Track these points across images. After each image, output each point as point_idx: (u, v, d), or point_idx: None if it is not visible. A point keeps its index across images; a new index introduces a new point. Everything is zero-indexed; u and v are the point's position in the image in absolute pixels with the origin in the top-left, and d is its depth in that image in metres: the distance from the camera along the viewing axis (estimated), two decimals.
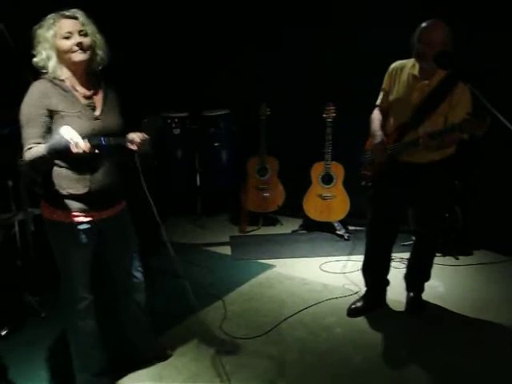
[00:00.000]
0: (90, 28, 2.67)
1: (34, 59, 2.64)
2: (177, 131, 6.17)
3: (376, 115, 3.80)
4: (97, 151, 2.53)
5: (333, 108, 5.28)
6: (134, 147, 2.76)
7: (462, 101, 3.40)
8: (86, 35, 2.63)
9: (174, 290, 4.22)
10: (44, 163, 2.60)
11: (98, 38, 2.71)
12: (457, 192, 4.93)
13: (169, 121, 6.16)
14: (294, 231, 5.90)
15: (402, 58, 3.63)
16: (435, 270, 4.52)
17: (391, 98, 3.66)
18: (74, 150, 2.44)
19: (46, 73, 2.65)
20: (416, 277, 4.07)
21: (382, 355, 3.52)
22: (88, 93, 2.73)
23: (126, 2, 5.66)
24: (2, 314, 3.77)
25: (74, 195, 2.72)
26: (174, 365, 3.44)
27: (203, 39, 6.30)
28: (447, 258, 4.96)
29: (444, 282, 4.50)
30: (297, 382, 3.28)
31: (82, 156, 2.50)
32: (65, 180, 2.71)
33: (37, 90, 2.62)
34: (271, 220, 6.15)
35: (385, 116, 3.76)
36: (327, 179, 5.56)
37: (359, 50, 5.06)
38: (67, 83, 2.68)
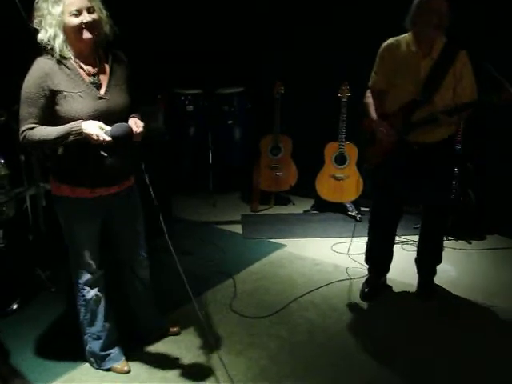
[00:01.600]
0: (97, 3, 2.59)
1: (39, 35, 2.54)
2: (190, 108, 6.14)
3: (370, 99, 3.73)
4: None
5: (347, 88, 5.23)
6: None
7: (465, 72, 3.44)
8: (93, 11, 2.55)
9: (185, 268, 4.21)
10: (52, 146, 2.59)
11: (104, 13, 2.63)
12: (470, 175, 4.88)
13: (182, 98, 6.14)
14: (305, 211, 5.88)
15: None
16: (447, 254, 4.49)
17: (393, 77, 3.57)
18: (94, 139, 2.49)
19: (51, 49, 2.57)
20: (427, 259, 4.02)
21: (390, 338, 3.50)
22: (93, 70, 2.67)
23: None
24: (13, 288, 3.78)
25: (81, 172, 2.71)
26: (184, 342, 3.45)
27: (218, 15, 6.25)
28: (460, 242, 4.92)
29: (456, 267, 4.47)
30: (305, 362, 3.26)
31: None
32: (72, 157, 2.68)
33: (39, 68, 2.55)
34: (283, 199, 6.13)
35: (378, 97, 3.70)
36: (341, 160, 5.51)
37: (375, 28, 4.99)
38: (72, 61, 2.62)
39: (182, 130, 6.22)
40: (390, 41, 3.63)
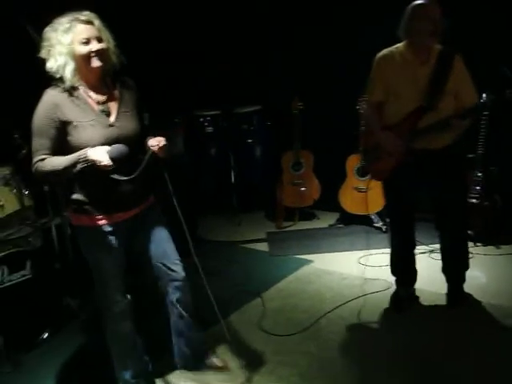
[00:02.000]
0: (105, 33, 2.63)
1: (48, 64, 2.57)
2: (209, 129, 6.20)
3: (371, 112, 3.71)
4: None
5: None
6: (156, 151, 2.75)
7: (463, 75, 3.47)
8: (102, 41, 2.59)
9: (213, 289, 4.21)
10: (62, 175, 2.60)
11: (112, 43, 2.66)
12: (495, 179, 4.83)
13: (201, 119, 6.19)
14: (330, 225, 5.86)
15: None
16: (476, 260, 4.46)
17: (392, 87, 3.56)
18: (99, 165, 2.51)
19: (59, 79, 2.60)
20: (452, 266, 3.96)
21: (422, 350, 3.45)
22: (102, 98, 2.69)
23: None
24: (43, 317, 3.81)
25: (97, 200, 2.72)
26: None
27: (233, 35, 6.29)
28: (488, 247, 4.85)
29: (485, 273, 4.40)
30: (336, 378, 3.23)
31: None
32: (86, 185, 2.70)
33: (49, 100, 2.58)
34: (308, 215, 6.11)
35: (380, 109, 3.68)
36: (363, 172, 5.49)
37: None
38: (80, 91, 2.64)
39: (203, 152, 6.26)
40: (384, 52, 3.62)
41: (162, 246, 3.01)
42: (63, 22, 2.56)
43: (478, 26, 4.77)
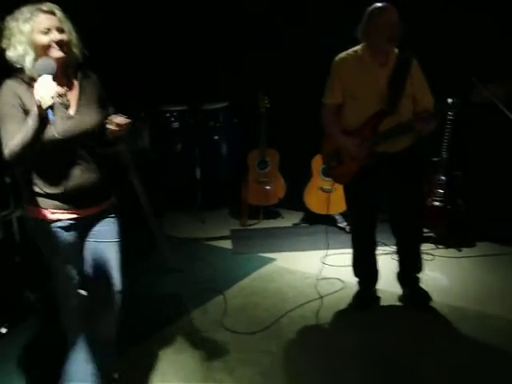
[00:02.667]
0: (67, 25, 2.57)
1: (8, 53, 2.51)
2: (176, 125, 6.15)
3: (329, 115, 3.73)
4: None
5: None
6: (113, 127, 2.66)
7: (421, 80, 3.56)
8: (63, 32, 2.53)
9: (176, 286, 4.20)
10: (33, 142, 2.44)
11: (74, 35, 2.60)
12: (458, 183, 4.90)
13: (167, 115, 6.14)
14: (295, 224, 5.88)
15: None
16: (438, 262, 4.54)
17: (351, 90, 3.59)
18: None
19: (20, 69, 2.54)
20: (408, 271, 4.03)
21: (383, 349, 3.49)
22: (61, 91, 2.59)
23: None
24: (2, 311, 3.75)
25: (52, 194, 2.64)
26: (175, 361, 3.42)
27: (201, 31, 6.27)
28: (450, 250, 4.93)
29: (447, 275, 4.47)
30: (298, 377, 3.25)
31: (58, 156, 2.48)
32: (40, 179, 2.63)
33: (9, 89, 2.51)
34: (272, 213, 6.12)
35: (336, 112, 3.71)
36: (326, 173, 5.51)
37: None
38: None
39: (169, 147, 6.22)
40: (342, 55, 3.66)
41: (110, 257, 2.89)
42: (24, 11, 2.50)
43: (438, 30, 4.85)
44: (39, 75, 2.39)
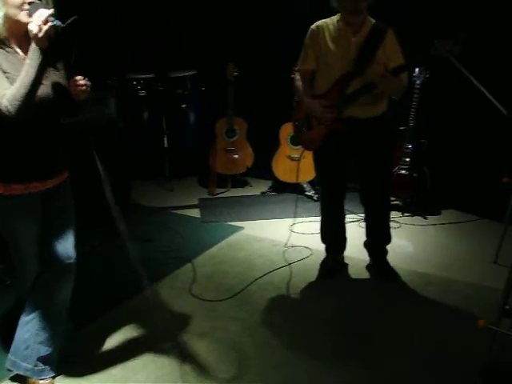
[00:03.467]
0: None
1: None
2: (143, 93, 6.07)
3: (302, 81, 3.74)
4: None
5: None
6: (78, 89, 2.60)
7: (394, 48, 3.54)
8: None
9: (144, 255, 4.18)
10: (34, 82, 2.39)
11: (51, 3, 2.53)
12: (424, 151, 4.95)
13: (134, 82, 6.06)
14: (263, 193, 5.90)
15: None
16: (403, 230, 4.60)
17: (324, 57, 3.61)
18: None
19: None
20: (376, 241, 4.08)
21: (349, 316, 3.54)
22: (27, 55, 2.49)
23: None
24: None
25: (12, 165, 2.59)
26: (144, 328, 3.42)
27: None
28: (416, 217, 5.01)
29: (412, 242, 4.55)
30: (266, 343, 3.28)
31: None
32: (3, 150, 2.56)
33: None
34: (240, 182, 6.13)
35: (310, 78, 3.72)
36: (296, 140, 5.52)
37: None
38: (8, 44, 2.50)
39: (136, 115, 6.15)
40: (318, 22, 3.67)
41: (68, 229, 2.88)
42: None
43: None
44: (30, 16, 2.37)
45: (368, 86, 3.48)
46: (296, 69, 3.79)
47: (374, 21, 3.56)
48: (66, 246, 2.86)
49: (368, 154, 3.72)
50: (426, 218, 5.00)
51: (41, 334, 2.83)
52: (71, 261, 2.88)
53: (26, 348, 2.82)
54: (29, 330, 2.82)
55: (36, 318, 2.81)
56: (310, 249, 4.41)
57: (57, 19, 2.36)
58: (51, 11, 2.37)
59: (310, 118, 3.75)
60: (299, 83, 3.75)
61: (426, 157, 4.99)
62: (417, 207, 5.05)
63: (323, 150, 3.79)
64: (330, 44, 3.57)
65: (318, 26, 3.64)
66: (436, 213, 5.11)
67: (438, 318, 3.50)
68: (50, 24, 2.34)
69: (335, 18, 3.61)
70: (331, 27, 3.59)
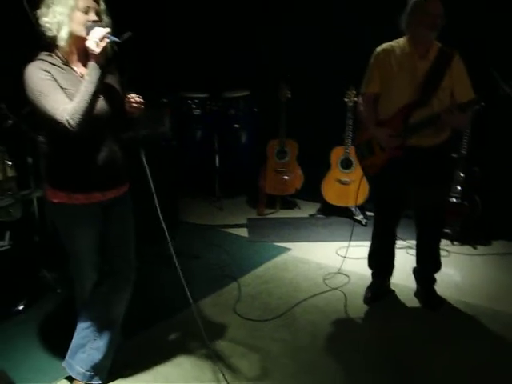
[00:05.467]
0: (106, 18, 2.65)
1: (45, 19, 2.54)
2: (197, 112, 6.19)
3: (366, 105, 3.73)
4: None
5: (354, 92, 5.24)
6: (132, 106, 2.71)
7: (461, 73, 3.49)
8: (100, 19, 2.60)
9: (191, 271, 4.23)
10: (92, 97, 2.50)
11: (109, 29, 2.61)
12: (476, 180, 4.88)
13: (189, 101, 6.18)
14: (311, 215, 5.89)
15: None
16: (452, 259, 4.53)
17: (388, 81, 3.59)
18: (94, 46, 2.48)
19: (47, 44, 2.58)
20: (425, 269, 4.01)
21: (393, 344, 3.50)
22: (85, 71, 2.61)
23: None
24: (19, 289, 3.81)
25: (75, 176, 2.69)
26: (186, 346, 3.46)
27: (224, 19, 6.28)
28: (465, 247, 4.93)
29: (460, 271, 4.47)
30: (308, 366, 3.27)
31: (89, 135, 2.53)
32: (66, 161, 2.68)
33: (38, 67, 2.53)
34: (289, 203, 6.14)
35: (374, 102, 3.70)
36: (346, 164, 5.53)
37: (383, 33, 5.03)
38: (64, 60, 2.62)
39: (189, 134, 6.26)
40: (384, 45, 3.64)
41: (128, 240, 2.98)
42: None
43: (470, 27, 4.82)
44: (88, 33, 2.51)
45: (433, 120, 3.45)
46: (361, 91, 3.78)
47: (439, 44, 3.52)
48: (126, 258, 2.97)
49: (428, 181, 3.66)
50: (475, 248, 4.91)
51: (97, 341, 2.91)
52: (130, 272, 2.98)
53: (83, 353, 2.91)
54: (86, 336, 2.91)
55: (93, 325, 2.89)
56: (357, 273, 4.38)
57: (113, 36, 2.47)
58: (108, 29, 2.51)
59: (373, 144, 3.74)
60: (362, 108, 3.74)
61: (478, 185, 4.91)
62: (467, 236, 4.97)
63: (384, 176, 3.77)
64: (395, 68, 3.55)
65: (384, 49, 3.62)
66: (486, 243, 5.01)
67: (484, 350, 3.42)
68: (106, 41, 2.47)
69: (401, 40, 3.57)
70: (397, 50, 3.56)
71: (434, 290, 3.98)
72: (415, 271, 4.07)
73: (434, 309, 3.89)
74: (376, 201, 4.04)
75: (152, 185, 2.77)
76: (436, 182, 3.69)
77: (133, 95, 2.71)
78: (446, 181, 3.80)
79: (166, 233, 2.81)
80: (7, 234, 3.72)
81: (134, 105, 2.70)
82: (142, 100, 2.72)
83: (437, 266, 3.97)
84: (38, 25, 2.58)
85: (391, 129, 3.57)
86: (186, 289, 2.89)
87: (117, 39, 2.49)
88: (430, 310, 3.90)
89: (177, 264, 2.86)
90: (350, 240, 4.62)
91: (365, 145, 3.83)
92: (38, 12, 2.58)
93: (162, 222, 2.78)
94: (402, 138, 3.55)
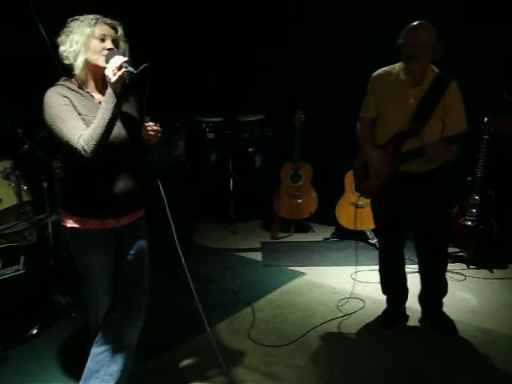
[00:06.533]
0: (123, 44, 2.68)
1: (62, 48, 2.58)
2: (211, 136, 6.23)
3: (363, 129, 3.75)
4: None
5: None
6: (149, 133, 2.73)
7: (455, 103, 3.44)
8: (117, 47, 2.62)
9: (205, 295, 4.21)
10: (109, 125, 2.50)
11: (127, 55, 2.65)
12: (491, 203, 4.85)
13: (203, 125, 6.22)
14: (325, 239, 5.87)
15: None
16: (468, 283, 4.49)
17: (382, 107, 3.60)
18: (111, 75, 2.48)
19: (66, 71, 2.61)
20: (430, 295, 3.95)
21: (409, 371, 3.45)
22: (103, 98, 2.61)
23: (161, 8, 5.73)
24: (33, 313, 3.81)
25: (89, 202, 2.69)
26: (199, 371, 3.43)
27: (239, 43, 6.33)
28: (481, 270, 4.88)
29: (477, 296, 4.42)
30: None
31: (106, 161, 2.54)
32: (80, 186, 2.69)
33: (58, 92, 2.55)
34: (303, 227, 6.13)
35: (370, 127, 3.71)
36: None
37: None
38: (84, 89, 2.65)
39: (203, 158, 6.29)
40: (379, 71, 3.66)
41: (141, 267, 2.96)
42: (90, 17, 2.60)
43: (478, 53, 4.83)
44: (107, 62, 2.52)
45: (418, 151, 3.44)
46: (359, 115, 3.79)
47: (437, 71, 3.49)
48: (139, 284, 2.95)
49: (423, 206, 3.66)
50: (492, 272, 4.87)
51: (111, 366, 2.88)
52: (144, 298, 2.96)
53: (96, 378, 2.87)
54: (100, 361, 2.87)
55: (107, 350, 2.87)
56: (371, 298, 4.35)
57: (130, 66, 2.49)
58: (126, 58, 2.51)
59: (369, 168, 3.75)
60: (360, 131, 3.77)
61: (493, 208, 4.88)
62: (483, 260, 4.92)
63: (381, 199, 3.78)
64: (390, 95, 3.56)
65: (379, 74, 3.64)
66: (503, 266, 4.96)
67: (501, 377, 3.37)
68: (123, 70, 2.48)
69: (397, 65, 3.57)
70: (393, 75, 3.56)
71: (443, 313, 3.92)
72: (420, 298, 4.02)
73: (447, 332, 3.83)
74: (376, 223, 4.03)
75: (168, 209, 2.78)
76: (431, 208, 3.66)
77: (150, 123, 2.74)
78: (442, 207, 3.73)
79: (183, 259, 2.81)
80: (22, 258, 3.73)
81: (151, 132, 2.73)
82: (158, 128, 2.75)
83: (442, 292, 3.90)
84: (56, 53, 2.62)
85: (385, 154, 3.58)
86: (203, 315, 2.89)
87: (133, 69, 2.49)
88: (442, 334, 3.83)
89: (193, 290, 2.86)
90: (361, 264, 4.60)
91: (361, 168, 3.84)
92: (58, 40, 2.62)
93: (178, 246, 2.79)
94: (392, 165, 3.55)
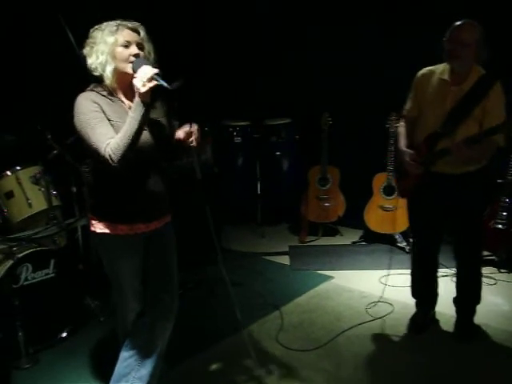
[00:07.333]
0: (148, 45, 2.68)
1: (90, 60, 2.60)
2: (238, 140, 6.23)
3: (402, 128, 3.71)
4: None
5: (396, 118, 5.20)
6: (191, 139, 2.77)
7: (497, 105, 3.34)
8: (143, 49, 2.63)
9: (234, 299, 4.22)
10: (136, 136, 2.49)
11: (152, 55, 2.69)
12: None
13: (230, 129, 6.23)
14: (354, 242, 5.84)
15: None
16: (499, 287, 4.42)
17: (422, 106, 3.56)
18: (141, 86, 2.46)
19: (98, 78, 2.63)
20: (464, 298, 3.88)
21: (438, 374, 3.41)
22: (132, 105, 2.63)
23: (188, 12, 5.77)
24: (63, 316, 3.85)
25: (118, 207, 2.71)
26: (228, 375, 3.44)
27: (266, 48, 6.34)
28: None
29: (508, 300, 4.35)
30: None
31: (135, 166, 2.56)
32: (109, 192, 2.71)
33: (88, 98, 2.57)
34: (331, 230, 6.11)
35: (413, 126, 3.66)
36: (389, 190, 5.47)
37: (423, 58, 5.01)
38: (114, 95, 2.66)
39: (231, 162, 6.30)
40: (424, 70, 3.61)
41: (169, 272, 2.97)
42: (111, 24, 2.61)
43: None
44: (135, 71, 2.52)
45: (443, 152, 3.40)
46: (402, 113, 3.76)
47: (482, 71, 3.40)
48: (168, 289, 2.95)
49: (458, 209, 3.59)
50: None
51: (140, 370, 2.89)
52: (173, 302, 2.97)
53: (126, 382, 2.89)
54: (129, 365, 2.89)
55: (137, 354, 2.88)
56: (400, 302, 4.30)
57: (161, 78, 2.47)
58: (156, 70, 2.48)
59: (403, 166, 3.71)
60: (399, 129, 3.74)
61: None
62: None
63: (416, 201, 3.74)
64: (428, 94, 3.51)
65: (422, 74, 3.59)
66: None
67: None
68: (154, 83, 2.46)
69: (443, 65, 3.51)
70: (436, 75, 3.51)
71: (471, 322, 3.86)
72: (455, 300, 3.95)
73: (465, 340, 3.77)
74: (411, 224, 3.99)
75: (208, 210, 2.79)
76: (465, 210, 3.59)
77: (192, 128, 2.78)
78: (477, 211, 3.67)
79: (221, 264, 2.82)
80: (52, 262, 3.77)
81: (193, 142, 2.78)
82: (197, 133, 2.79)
83: (475, 299, 3.82)
84: (85, 64, 2.64)
85: (418, 155, 3.53)
86: (239, 316, 2.90)
87: (166, 85, 2.46)
88: (461, 340, 3.77)
89: (230, 291, 2.86)
90: (390, 268, 4.56)
91: (398, 166, 3.81)
92: (84, 51, 2.64)
93: (218, 248, 2.80)
94: (424, 165, 3.51)
